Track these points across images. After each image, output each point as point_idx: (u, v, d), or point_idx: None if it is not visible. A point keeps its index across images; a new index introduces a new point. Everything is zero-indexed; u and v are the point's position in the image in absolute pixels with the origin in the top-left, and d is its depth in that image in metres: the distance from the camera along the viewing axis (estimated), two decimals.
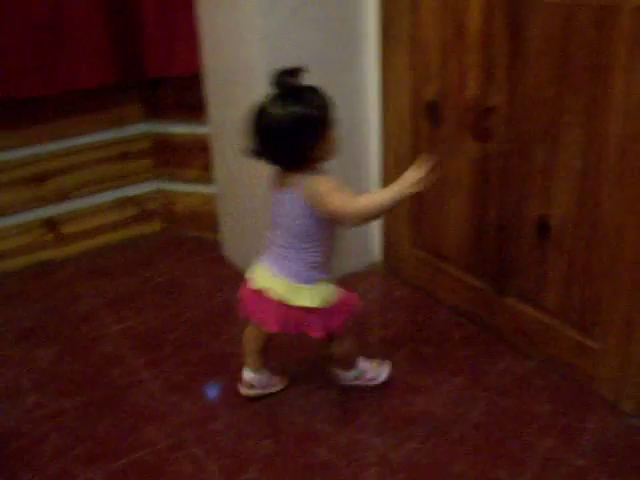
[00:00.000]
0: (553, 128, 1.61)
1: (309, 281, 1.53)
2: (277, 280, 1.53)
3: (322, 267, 1.55)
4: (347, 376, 1.76)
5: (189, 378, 1.85)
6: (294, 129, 1.42)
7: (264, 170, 2.04)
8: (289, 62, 1.91)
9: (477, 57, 1.76)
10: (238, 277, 2.37)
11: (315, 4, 1.95)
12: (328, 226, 1.51)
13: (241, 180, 2.26)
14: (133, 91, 2.52)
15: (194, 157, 2.56)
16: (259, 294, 1.56)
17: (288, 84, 1.45)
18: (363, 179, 2.26)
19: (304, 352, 1.92)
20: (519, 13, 1.61)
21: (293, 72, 1.45)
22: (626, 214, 1.50)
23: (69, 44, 2.23)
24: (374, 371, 1.78)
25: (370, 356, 1.80)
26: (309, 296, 1.53)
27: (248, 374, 1.73)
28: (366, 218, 1.49)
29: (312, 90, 1.47)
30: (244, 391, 1.75)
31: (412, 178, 1.45)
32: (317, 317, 1.55)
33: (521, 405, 1.68)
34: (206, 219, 2.62)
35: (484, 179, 1.85)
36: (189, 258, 2.55)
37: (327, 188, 1.45)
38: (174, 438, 1.63)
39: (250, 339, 1.71)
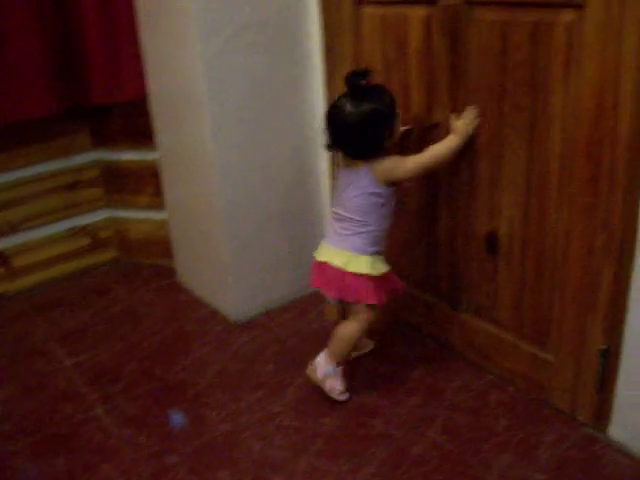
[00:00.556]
0: (497, 143, 1.62)
1: (365, 252, 1.69)
2: (337, 252, 1.70)
3: (377, 241, 1.71)
4: (327, 367, 1.77)
5: (144, 411, 1.81)
6: (369, 124, 1.60)
7: (213, 195, 2.05)
8: (232, 86, 1.93)
9: (419, 75, 1.77)
10: (193, 303, 2.39)
11: (256, 27, 1.93)
12: (387, 203, 1.69)
13: (190, 205, 2.24)
14: (81, 120, 2.48)
15: (145, 184, 2.53)
16: (322, 266, 1.73)
17: (359, 84, 1.61)
18: (314, 195, 2.25)
19: (259, 379, 1.90)
20: (457, 30, 1.62)
21: (363, 74, 1.61)
22: (571, 227, 1.51)
23: (13, 75, 2.19)
24: (339, 385, 1.79)
25: None
26: (364, 264, 1.68)
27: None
28: (434, 166, 1.70)
29: (380, 88, 1.66)
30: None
31: (462, 126, 1.65)
32: (370, 285, 1.69)
33: (478, 421, 1.68)
34: (160, 246, 2.59)
35: (432, 195, 1.85)
36: (144, 286, 2.51)
37: (394, 160, 1.66)
38: (130, 475, 1.60)
39: (330, 315, 1.99)
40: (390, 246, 2.04)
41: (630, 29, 1.27)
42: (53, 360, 2.08)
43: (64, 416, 1.82)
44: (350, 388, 1.79)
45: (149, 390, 1.90)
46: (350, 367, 1.88)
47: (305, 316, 2.21)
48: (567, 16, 1.38)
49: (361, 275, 1.68)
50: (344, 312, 1.84)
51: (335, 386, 1.77)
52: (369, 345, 1.99)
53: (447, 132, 1.72)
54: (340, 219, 1.71)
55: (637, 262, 1.40)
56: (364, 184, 1.65)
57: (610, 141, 1.36)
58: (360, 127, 1.61)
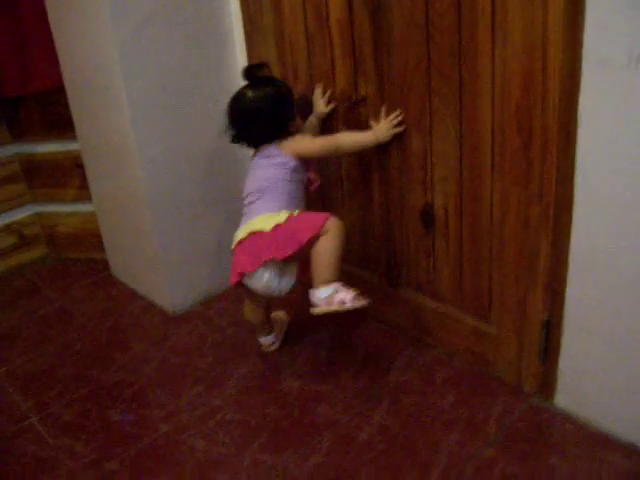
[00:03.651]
0: (425, 116, 1.58)
1: (278, 210, 1.63)
2: (251, 222, 1.64)
3: (289, 204, 1.65)
4: (320, 293, 1.57)
5: (80, 417, 1.73)
6: (272, 104, 1.65)
7: (138, 185, 1.96)
8: (149, 71, 1.83)
9: (342, 49, 1.70)
10: (128, 297, 2.30)
11: (170, 7, 1.84)
12: (296, 173, 1.68)
13: (117, 196, 2.15)
14: None
15: (69, 176, 2.42)
16: (241, 246, 1.64)
17: (256, 75, 1.66)
18: (241, 181, 2.17)
19: (199, 373, 1.84)
20: (379, 0, 1.56)
21: (259, 66, 1.68)
22: (506, 199, 1.48)
23: None
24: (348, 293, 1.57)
25: None
26: (278, 218, 1.60)
27: (264, 339, 1.89)
28: (340, 152, 1.76)
29: (275, 78, 1.74)
30: (271, 349, 1.89)
31: (384, 128, 1.65)
32: (297, 223, 1.60)
33: (425, 400, 1.65)
34: (91, 239, 2.50)
35: (364, 172, 1.80)
36: (76, 283, 2.41)
37: (302, 136, 1.70)
38: None
39: (252, 316, 1.84)
40: None
41: None
42: None
43: None
44: (292, 375, 1.74)
45: (85, 394, 1.82)
46: (290, 353, 1.83)
47: (242, 303, 2.14)
48: None
49: (283, 223, 1.59)
50: (266, 311, 1.84)
51: (346, 297, 1.56)
52: (283, 318, 1.96)
53: (374, 107, 1.68)
54: (250, 199, 1.69)
55: (574, 232, 1.38)
56: (272, 157, 1.67)
57: (540, 108, 1.32)
58: (264, 109, 1.65)
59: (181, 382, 1.81)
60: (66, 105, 2.19)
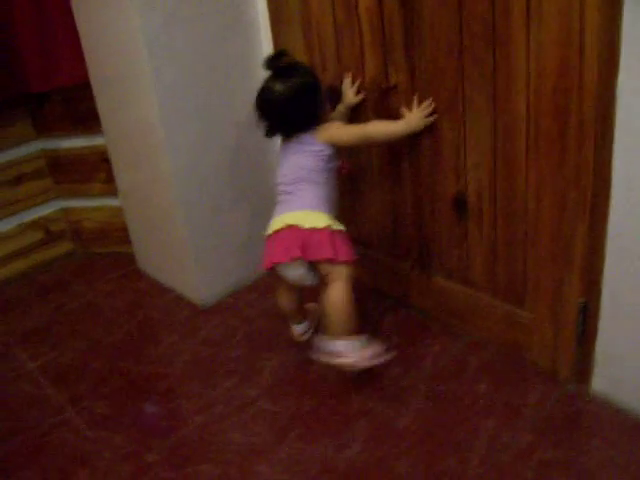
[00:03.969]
0: (458, 102, 1.57)
1: (319, 208, 1.64)
2: (288, 215, 1.64)
3: (327, 201, 1.66)
4: (330, 346, 1.62)
5: (116, 410, 1.74)
6: (301, 95, 1.63)
7: (165, 177, 1.96)
8: (177, 62, 1.83)
9: (372, 37, 1.69)
10: (156, 290, 2.31)
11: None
12: (331, 160, 1.67)
13: (144, 189, 2.15)
14: (19, 109, 2.35)
15: (95, 170, 2.42)
16: (276, 235, 1.64)
17: (277, 65, 1.64)
18: (269, 172, 2.16)
19: (232, 364, 1.84)
20: None
21: (280, 54, 1.65)
22: (541, 184, 1.47)
23: None
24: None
25: None
26: (321, 218, 1.61)
27: (297, 328, 1.87)
28: (371, 142, 1.75)
29: (299, 64, 1.71)
30: (302, 338, 1.88)
31: (417, 117, 1.64)
32: (333, 239, 1.61)
33: (460, 387, 1.65)
34: (117, 233, 2.50)
35: (394, 159, 1.80)
36: (104, 277, 2.42)
37: (339, 124, 1.70)
38: (109, 478, 1.53)
39: (284, 303, 1.82)
40: (354, 214, 2.00)
41: None
42: (15, 364, 1.98)
43: (33, 422, 1.73)
44: (325, 365, 1.72)
45: (119, 387, 1.83)
46: None
47: (272, 294, 2.14)
48: None
49: (321, 229, 1.60)
50: (300, 298, 1.82)
51: (360, 357, 1.61)
52: (318, 309, 1.91)
53: (405, 94, 1.67)
54: (286, 188, 1.68)
55: (612, 215, 1.37)
56: (306, 145, 1.65)
57: (577, 91, 1.31)
58: (294, 100, 1.62)
59: (214, 374, 1.82)
60: (91, 100, 2.19)
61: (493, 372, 1.68)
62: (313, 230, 1.60)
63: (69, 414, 1.75)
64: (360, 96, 1.78)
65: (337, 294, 1.61)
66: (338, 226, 1.64)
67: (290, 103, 1.62)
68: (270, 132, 1.70)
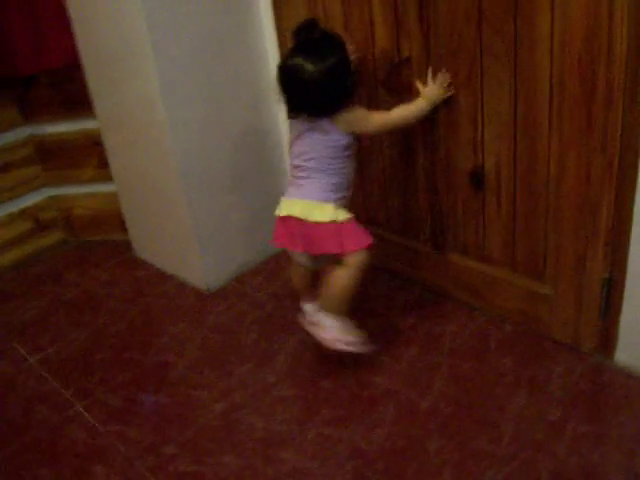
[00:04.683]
0: (476, 73, 1.52)
1: (328, 200, 1.57)
2: (298, 202, 1.58)
3: (341, 188, 1.60)
4: (319, 316, 1.65)
5: (127, 401, 1.68)
6: (335, 78, 1.50)
7: (166, 158, 1.89)
8: (178, 39, 1.76)
9: (382, 6, 1.63)
10: (156, 277, 2.24)
11: None
12: (349, 149, 1.59)
13: (142, 172, 2.08)
14: (4, 93, 2.25)
15: (86, 155, 2.33)
16: (284, 220, 1.61)
17: (312, 38, 1.50)
18: (273, 151, 2.12)
19: (246, 350, 1.79)
20: None
21: (311, 25, 1.51)
22: (564, 154, 1.43)
23: None
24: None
25: None
26: (327, 212, 1.55)
27: (308, 307, 1.75)
28: (398, 127, 1.65)
29: (328, 36, 1.54)
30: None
31: (435, 91, 1.59)
32: (330, 233, 1.56)
33: (482, 364, 1.62)
34: (111, 220, 2.42)
35: (406, 134, 1.75)
36: (99, 266, 2.34)
37: (360, 113, 1.58)
38: (127, 473, 1.47)
39: (297, 280, 1.78)
40: (365, 193, 1.95)
41: None
42: (16, 359, 1.91)
43: (41, 419, 1.67)
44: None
45: (128, 378, 1.77)
46: None
47: (278, 277, 2.10)
48: None
49: (325, 224, 1.55)
50: (313, 276, 1.75)
51: (336, 337, 1.63)
52: None
53: (419, 67, 1.62)
54: (299, 173, 1.61)
55: None
56: (325, 132, 1.55)
57: (606, 56, 1.27)
58: (328, 84, 1.49)
59: (228, 360, 1.77)
60: (80, 82, 2.10)
61: (514, 348, 1.66)
62: (317, 225, 1.55)
63: (78, 408, 1.68)
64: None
65: (342, 278, 1.59)
66: (344, 215, 1.57)
67: (323, 86, 1.49)
68: (293, 112, 1.57)
